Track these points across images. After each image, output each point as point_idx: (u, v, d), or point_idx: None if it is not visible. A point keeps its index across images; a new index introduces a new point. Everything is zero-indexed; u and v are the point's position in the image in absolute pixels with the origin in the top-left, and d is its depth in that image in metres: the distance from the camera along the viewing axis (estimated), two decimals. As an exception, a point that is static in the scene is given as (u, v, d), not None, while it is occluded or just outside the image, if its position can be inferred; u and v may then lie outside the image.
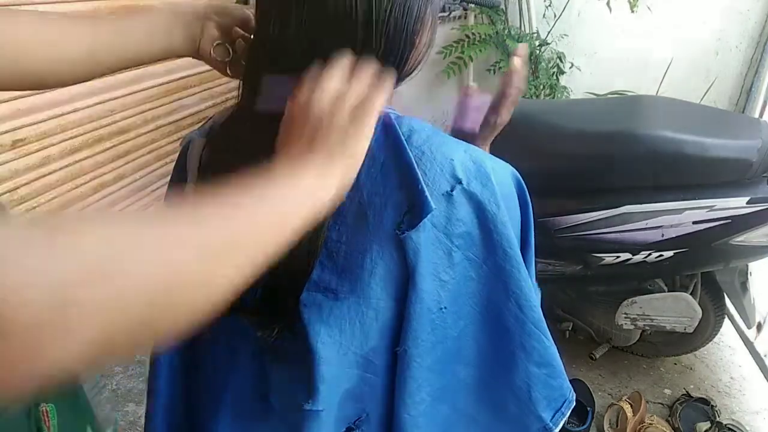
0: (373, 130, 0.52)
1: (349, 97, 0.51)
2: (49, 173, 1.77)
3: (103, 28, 0.63)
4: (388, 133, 0.61)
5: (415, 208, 0.58)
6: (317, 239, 0.58)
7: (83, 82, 0.65)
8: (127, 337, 0.33)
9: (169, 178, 0.76)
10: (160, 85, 2.19)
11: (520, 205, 0.67)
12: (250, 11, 0.66)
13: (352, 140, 0.50)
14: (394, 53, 0.56)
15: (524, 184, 0.68)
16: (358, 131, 0.51)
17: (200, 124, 0.73)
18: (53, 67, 0.60)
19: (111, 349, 0.33)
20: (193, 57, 0.67)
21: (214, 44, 0.66)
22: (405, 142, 0.60)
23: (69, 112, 1.77)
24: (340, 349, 0.61)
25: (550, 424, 0.66)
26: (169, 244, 0.35)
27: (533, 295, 0.64)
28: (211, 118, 0.73)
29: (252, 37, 0.63)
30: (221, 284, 0.38)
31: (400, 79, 0.60)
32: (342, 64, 0.53)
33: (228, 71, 0.68)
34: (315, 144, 0.49)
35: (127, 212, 0.35)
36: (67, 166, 1.83)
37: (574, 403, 0.69)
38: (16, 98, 1.59)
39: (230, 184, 0.42)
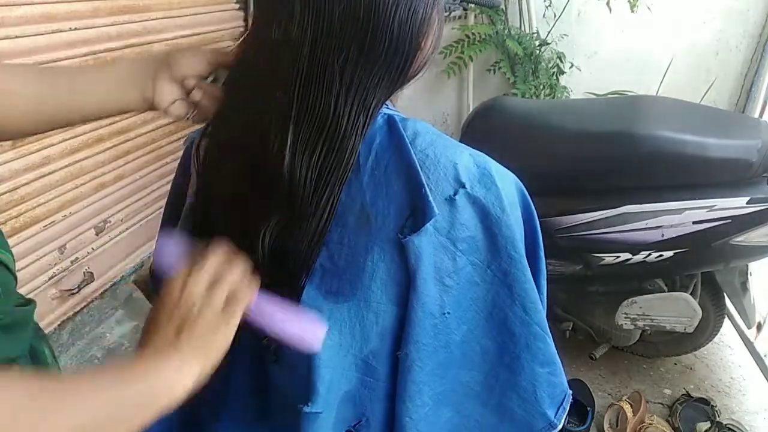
0: (237, 324, 0.53)
1: (219, 291, 0.53)
2: (49, 173, 1.77)
3: (57, 81, 0.62)
4: (392, 136, 0.61)
5: (418, 212, 0.58)
6: (316, 242, 0.58)
7: (32, 135, 0.65)
8: None
9: (168, 178, 0.76)
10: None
11: (525, 215, 0.67)
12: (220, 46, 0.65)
13: (217, 335, 0.52)
14: (398, 55, 0.56)
15: (528, 196, 0.67)
16: (224, 325, 0.53)
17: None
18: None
19: None
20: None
21: (171, 102, 0.64)
22: (409, 145, 0.60)
23: (69, 112, 1.77)
24: (339, 352, 0.61)
25: (555, 421, 0.66)
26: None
27: (537, 295, 0.64)
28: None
29: (244, 43, 0.62)
30: None
31: (406, 79, 0.60)
32: (217, 255, 0.55)
33: (191, 121, 0.66)
34: (181, 335, 0.51)
35: None
36: (67, 166, 1.83)
37: (572, 396, 0.70)
38: (16, 98, 1.59)
39: (96, 371, 0.47)
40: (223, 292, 0.53)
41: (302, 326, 0.57)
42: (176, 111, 0.64)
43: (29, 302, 0.61)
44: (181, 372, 0.49)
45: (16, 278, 0.57)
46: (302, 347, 0.57)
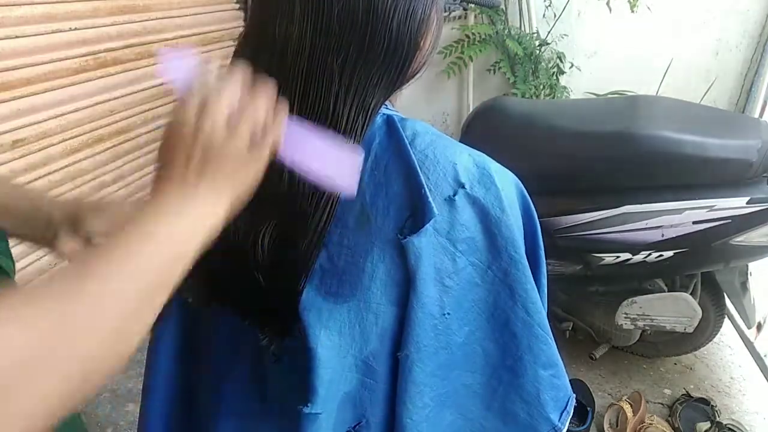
0: (266, 159, 0.48)
1: (244, 122, 0.46)
2: (49, 173, 1.77)
3: None
4: (391, 136, 0.61)
5: (417, 213, 0.58)
6: (316, 243, 0.58)
7: None
8: (65, 402, 0.34)
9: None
10: (160, 85, 2.19)
11: (525, 215, 0.66)
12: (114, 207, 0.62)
13: (245, 172, 0.46)
14: (397, 55, 0.56)
15: (527, 196, 0.67)
16: (253, 162, 0.47)
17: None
18: None
19: (53, 417, 0.33)
20: None
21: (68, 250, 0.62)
22: (408, 146, 0.60)
23: (69, 112, 1.77)
24: (339, 353, 0.60)
25: (559, 425, 0.66)
26: (86, 311, 0.35)
27: (538, 296, 0.64)
28: None
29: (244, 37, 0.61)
30: (134, 330, 0.39)
31: (405, 80, 0.60)
32: (236, 79, 0.48)
33: None
34: (205, 173, 0.45)
35: (32, 287, 0.36)
36: (67, 166, 1.83)
37: (575, 400, 0.70)
38: (16, 98, 1.59)
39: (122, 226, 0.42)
40: (247, 123, 0.46)
41: (338, 159, 0.50)
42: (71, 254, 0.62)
43: None
44: (215, 206, 0.45)
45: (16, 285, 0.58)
46: (336, 187, 0.51)
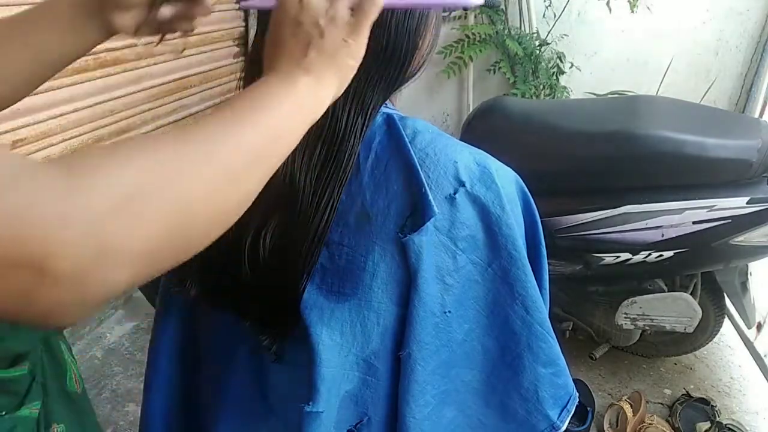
0: (366, 37, 0.49)
1: (342, 2, 0.47)
2: (49, 173, 1.77)
3: (8, 39, 0.56)
4: (392, 135, 0.61)
5: (418, 212, 0.58)
6: (317, 243, 0.58)
7: (8, 105, 0.59)
8: (166, 255, 0.36)
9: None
10: (161, 85, 2.19)
11: (525, 212, 0.66)
12: None
13: (350, 48, 0.47)
14: (396, 55, 0.56)
15: (528, 194, 0.67)
16: (356, 37, 0.48)
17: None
18: None
19: (150, 271, 0.35)
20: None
21: (136, 26, 0.57)
22: (409, 144, 0.60)
23: (69, 112, 1.77)
24: (340, 351, 0.61)
25: (558, 422, 0.66)
26: (193, 165, 0.37)
27: (539, 295, 0.64)
28: None
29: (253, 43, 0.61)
30: (234, 191, 0.40)
31: (404, 80, 0.60)
32: None
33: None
34: (309, 54, 0.46)
35: (145, 137, 0.38)
36: (67, 166, 1.83)
37: (578, 399, 0.69)
38: (16, 98, 1.59)
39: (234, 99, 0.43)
40: (346, 2, 0.47)
41: None
42: (144, 33, 0.58)
43: None
44: (317, 93, 0.46)
45: None
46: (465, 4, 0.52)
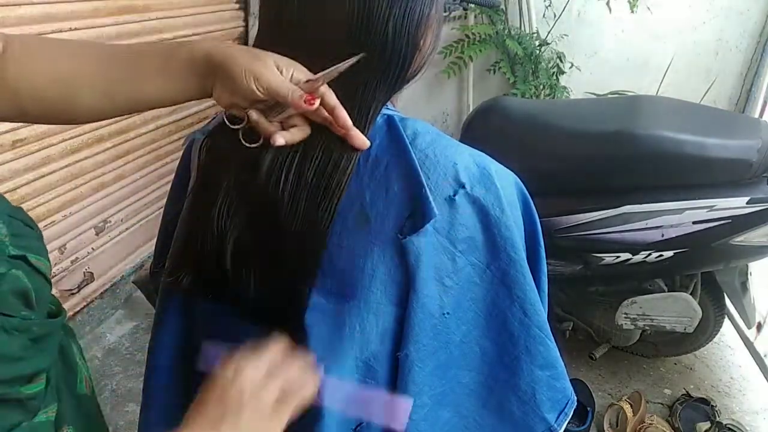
0: (286, 419, 0.52)
1: (274, 382, 0.51)
2: (49, 173, 1.77)
3: (121, 65, 0.58)
4: (392, 136, 0.61)
5: (417, 213, 0.58)
6: (319, 247, 0.58)
7: (99, 120, 0.62)
8: None
9: (168, 178, 0.76)
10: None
11: (525, 214, 0.66)
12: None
13: (264, 428, 0.50)
14: (396, 55, 0.56)
15: (528, 196, 0.67)
16: (274, 420, 0.51)
17: (203, 124, 0.73)
18: (67, 107, 0.58)
19: None
20: None
21: (226, 109, 0.58)
22: (409, 145, 0.60)
23: (69, 112, 1.77)
24: (340, 353, 0.60)
25: (555, 426, 0.65)
26: None
27: (537, 298, 0.64)
28: (214, 117, 0.73)
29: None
30: None
31: (405, 81, 0.60)
32: (275, 348, 0.54)
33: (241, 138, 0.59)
34: (226, 421, 0.49)
35: None
36: (67, 166, 1.83)
37: (576, 403, 0.69)
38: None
39: None
40: (277, 384, 0.51)
41: (383, 404, 0.58)
42: (230, 117, 0.58)
43: (59, 312, 0.60)
44: None
45: (51, 285, 0.56)
46: (392, 425, 0.57)
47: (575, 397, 0.69)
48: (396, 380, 0.62)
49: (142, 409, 0.76)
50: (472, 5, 2.34)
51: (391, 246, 0.59)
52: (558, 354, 0.66)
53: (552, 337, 0.66)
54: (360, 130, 0.57)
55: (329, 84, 0.54)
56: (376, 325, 0.60)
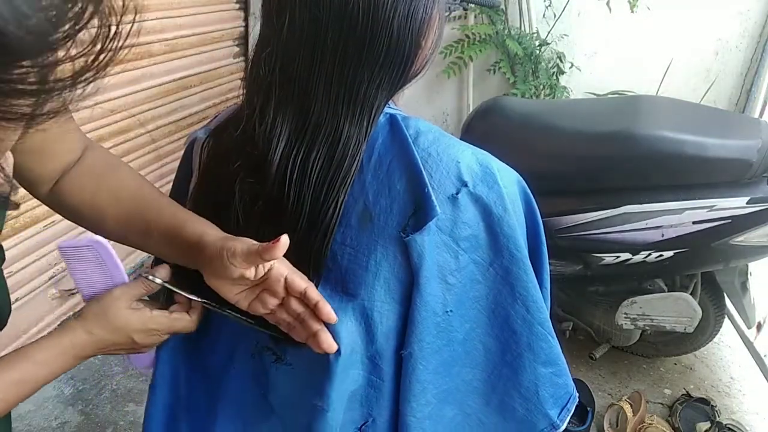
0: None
1: (153, 339, 0.64)
2: (49, 173, 1.76)
3: (140, 220, 0.65)
4: (394, 135, 0.61)
5: (420, 211, 0.58)
6: (323, 247, 0.59)
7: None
8: None
9: (168, 178, 0.76)
10: (160, 85, 2.19)
11: (527, 212, 0.67)
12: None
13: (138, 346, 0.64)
14: (399, 55, 0.56)
15: (530, 194, 0.67)
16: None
17: (204, 123, 0.73)
18: (89, 227, 0.69)
19: None
20: None
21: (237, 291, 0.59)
22: (412, 144, 0.60)
23: (69, 112, 1.77)
24: (344, 352, 0.60)
25: (557, 421, 0.66)
26: None
27: (540, 295, 0.64)
28: (215, 116, 0.73)
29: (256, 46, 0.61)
30: None
31: (408, 80, 0.60)
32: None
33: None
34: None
35: None
36: (67, 166, 1.82)
37: (577, 399, 0.69)
38: (16, 98, 1.59)
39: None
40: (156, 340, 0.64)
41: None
42: (243, 298, 0.60)
43: None
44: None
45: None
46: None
47: (577, 393, 0.70)
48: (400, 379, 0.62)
49: (146, 408, 0.76)
50: (472, 5, 2.35)
51: (395, 244, 0.59)
52: (560, 350, 0.67)
53: (554, 334, 0.66)
54: (363, 129, 0.58)
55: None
56: (380, 323, 0.61)
